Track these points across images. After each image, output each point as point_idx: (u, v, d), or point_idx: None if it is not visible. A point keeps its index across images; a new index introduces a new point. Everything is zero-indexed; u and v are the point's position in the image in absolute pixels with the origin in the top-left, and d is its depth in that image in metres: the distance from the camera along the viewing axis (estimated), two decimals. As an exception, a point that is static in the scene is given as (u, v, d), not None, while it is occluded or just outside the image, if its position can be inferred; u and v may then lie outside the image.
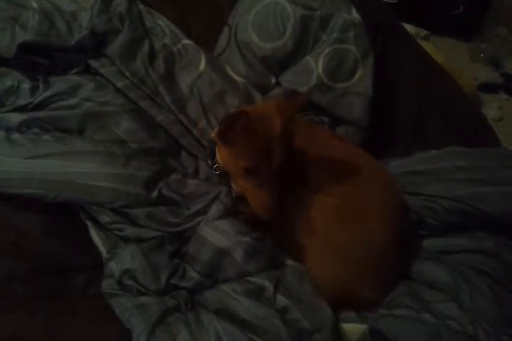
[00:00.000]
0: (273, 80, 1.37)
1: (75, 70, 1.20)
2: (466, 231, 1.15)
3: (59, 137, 1.10)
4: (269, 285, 0.97)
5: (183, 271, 1.01)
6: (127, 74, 1.20)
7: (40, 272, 0.97)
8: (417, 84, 1.49)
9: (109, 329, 0.91)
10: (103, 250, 1.05)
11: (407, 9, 2.44)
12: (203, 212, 1.07)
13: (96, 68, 1.20)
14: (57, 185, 1.02)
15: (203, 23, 1.43)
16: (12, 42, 1.13)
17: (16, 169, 1.01)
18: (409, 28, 2.23)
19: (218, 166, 1.12)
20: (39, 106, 1.14)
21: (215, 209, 1.06)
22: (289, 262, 1.07)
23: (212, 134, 1.12)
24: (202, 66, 1.27)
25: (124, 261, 0.99)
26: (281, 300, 0.95)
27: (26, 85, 1.14)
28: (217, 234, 1.02)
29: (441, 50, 2.45)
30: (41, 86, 1.15)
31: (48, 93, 1.14)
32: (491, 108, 2.65)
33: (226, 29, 1.38)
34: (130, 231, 1.05)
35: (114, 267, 0.99)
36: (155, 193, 1.07)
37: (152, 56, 1.25)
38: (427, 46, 1.89)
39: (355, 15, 1.34)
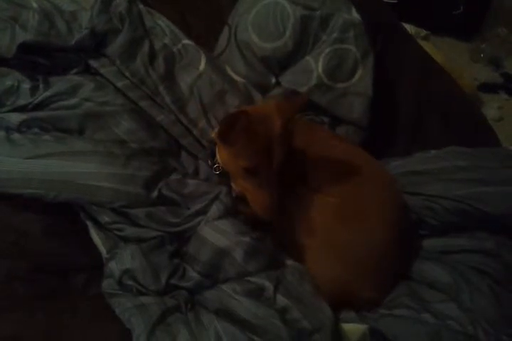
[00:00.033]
0: (273, 80, 1.37)
1: (75, 70, 1.20)
2: (466, 231, 1.15)
3: (59, 137, 1.10)
4: (269, 285, 0.97)
5: (183, 271, 1.01)
6: (127, 74, 1.20)
7: (40, 272, 0.97)
8: (417, 84, 1.49)
9: (109, 329, 0.91)
10: (103, 250, 1.05)
11: (407, 9, 2.44)
12: (203, 212, 1.07)
13: (96, 68, 1.20)
14: (57, 185, 1.02)
15: (203, 23, 1.43)
16: (12, 42, 1.13)
17: (16, 169, 1.01)
18: (409, 28, 2.23)
19: (218, 166, 1.12)
20: (39, 106, 1.14)
21: (215, 209, 1.06)
22: (289, 262, 1.07)
23: (212, 134, 1.12)
24: (202, 66, 1.27)
25: (124, 261, 0.99)
26: (281, 300, 0.95)
27: (26, 85, 1.14)
28: (217, 234, 1.02)
29: (441, 50, 2.45)
30: (41, 86, 1.15)
31: (48, 93, 1.14)
32: (491, 108, 2.65)
33: (226, 29, 1.38)
34: (130, 231, 1.05)
35: (114, 267, 0.99)
36: (155, 193, 1.07)
37: (152, 56, 1.25)
38: (427, 46, 1.89)
39: (355, 15, 1.34)
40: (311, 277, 1.03)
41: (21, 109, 1.13)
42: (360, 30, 1.32)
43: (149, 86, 1.21)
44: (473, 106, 1.65)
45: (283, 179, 0.99)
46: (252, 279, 0.99)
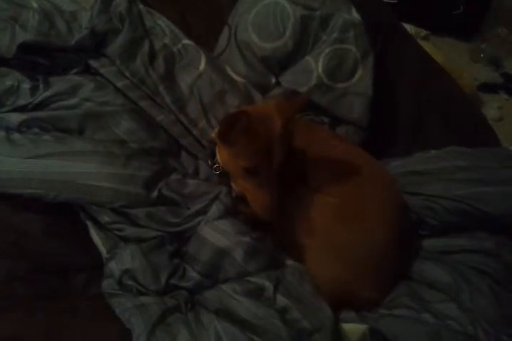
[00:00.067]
0: (273, 80, 1.37)
1: (75, 70, 1.20)
2: (466, 231, 1.15)
3: (59, 137, 1.10)
4: (269, 285, 0.97)
5: (183, 271, 1.01)
6: (127, 74, 1.20)
7: (40, 272, 0.97)
8: (417, 84, 1.49)
9: (109, 329, 0.91)
10: (103, 250, 1.05)
11: (407, 9, 2.44)
12: (203, 212, 1.07)
13: (96, 68, 1.20)
14: (57, 185, 1.02)
15: (203, 23, 1.43)
16: (12, 42, 1.13)
17: (16, 169, 1.01)
18: (409, 28, 2.24)
19: (218, 166, 1.12)
20: (39, 106, 1.14)
21: (215, 209, 1.06)
22: (289, 262, 1.07)
23: (213, 134, 1.12)
24: (202, 66, 1.27)
25: (124, 261, 0.99)
26: (281, 300, 0.95)
27: (26, 85, 1.14)
28: (217, 234, 1.02)
29: (441, 50, 2.45)
30: (41, 86, 1.15)
31: (48, 93, 1.14)
32: (491, 108, 2.65)
33: (226, 29, 1.38)
34: (130, 231, 1.05)
35: (114, 267, 0.99)
36: (155, 193, 1.07)
37: (152, 56, 1.25)
38: (427, 46, 1.89)
39: (355, 15, 1.34)
40: (311, 277, 1.03)
41: (21, 109, 1.13)
42: (360, 30, 1.32)
43: (149, 86, 1.21)
44: (473, 106, 1.65)
45: (283, 179, 0.99)
46: (252, 279, 0.99)
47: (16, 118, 1.10)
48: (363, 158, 1.18)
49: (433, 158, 1.26)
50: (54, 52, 1.18)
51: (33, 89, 1.14)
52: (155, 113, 1.20)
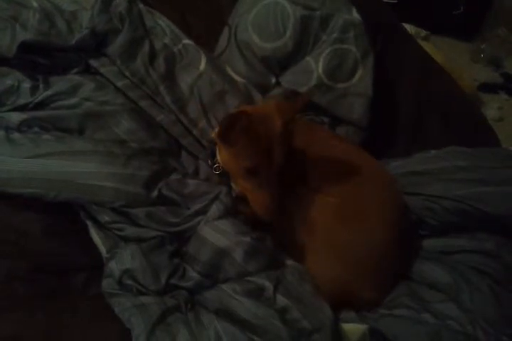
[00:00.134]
0: (273, 80, 1.37)
1: (75, 70, 1.20)
2: (466, 231, 1.15)
3: (59, 136, 1.10)
4: (269, 285, 0.97)
5: (183, 271, 1.01)
6: (127, 73, 1.20)
7: (40, 272, 0.97)
8: (417, 84, 1.49)
9: (109, 329, 0.91)
10: (103, 250, 1.05)
11: (407, 9, 2.45)
12: (202, 212, 1.07)
13: (96, 68, 1.20)
14: (57, 185, 1.02)
15: (203, 23, 1.43)
16: (12, 42, 1.13)
17: (16, 168, 1.01)
18: (409, 28, 2.24)
19: (218, 166, 1.12)
20: (39, 105, 1.14)
21: (215, 209, 1.06)
22: (289, 262, 1.07)
23: (213, 134, 1.12)
24: (202, 66, 1.27)
25: (124, 260, 0.99)
26: (281, 300, 0.95)
27: (26, 85, 1.14)
28: (217, 234, 1.02)
29: (441, 50, 2.45)
30: (41, 85, 1.15)
31: (48, 92, 1.14)
32: (491, 108, 2.66)
33: (226, 29, 1.38)
34: (130, 231, 1.05)
35: (114, 267, 0.99)
36: (155, 193, 1.07)
37: (152, 56, 1.25)
38: (427, 46, 1.89)
39: (356, 15, 1.34)
40: (311, 277, 1.03)
41: (21, 109, 1.13)
42: (360, 31, 1.32)
43: (149, 86, 1.21)
44: (473, 106, 1.66)
45: (283, 179, 0.99)
46: (252, 279, 0.99)
47: (16, 117, 1.10)
48: (363, 158, 1.18)
49: (433, 158, 1.26)
50: (54, 51, 1.18)
51: (34, 89, 1.14)
52: (155, 113, 1.20)
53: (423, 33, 2.63)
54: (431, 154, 1.29)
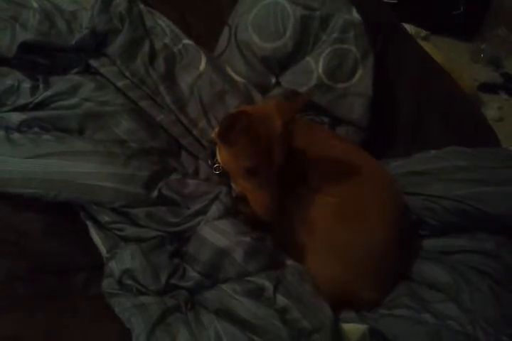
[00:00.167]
0: (273, 80, 1.37)
1: (75, 70, 1.20)
2: (466, 231, 1.15)
3: (59, 137, 1.10)
4: (269, 285, 0.97)
5: (183, 271, 1.01)
6: (127, 74, 1.20)
7: (40, 272, 0.97)
8: (417, 84, 1.49)
9: (109, 329, 0.91)
10: (103, 250, 1.05)
11: (407, 9, 2.45)
12: (202, 212, 1.07)
13: (96, 68, 1.20)
14: (57, 185, 1.02)
15: (203, 23, 1.43)
16: (12, 42, 1.13)
17: (16, 169, 1.01)
18: (409, 28, 2.24)
19: (218, 166, 1.12)
20: (39, 105, 1.14)
21: (215, 209, 1.06)
22: (289, 262, 1.07)
23: (213, 134, 1.12)
24: (202, 66, 1.27)
25: (124, 260, 0.99)
26: (281, 300, 0.95)
27: (26, 85, 1.14)
28: (217, 234, 1.02)
29: (441, 50, 2.45)
30: (41, 86, 1.15)
31: (48, 93, 1.14)
32: (491, 108, 2.66)
33: (226, 29, 1.38)
34: (130, 231, 1.05)
35: (114, 267, 0.99)
36: (155, 193, 1.07)
37: (152, 56, 1.25)
38: (427, 46, 1.89)
39: (356, 15, 1.34)
40: (311, 277, 1.03)
41: (21, 109, 1.13)
42: (360, 31, 1.32)
43: (149, 86, 1.21)
44: (473, 106, 1.66)
45: (283, 179, 0.99)
46: (252, 279, 0.99)
47: (16, 117, 1.10)
48: (363, 158, 1.18)
49: (433, 158, 1.26)
50: (54, 51, 1.18)
51: (34, 89, 1.14)
52: (155, 113, 1.20)
53: (423, 33, 2.63)
54: (431, 154, 1.29)
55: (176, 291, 0.99)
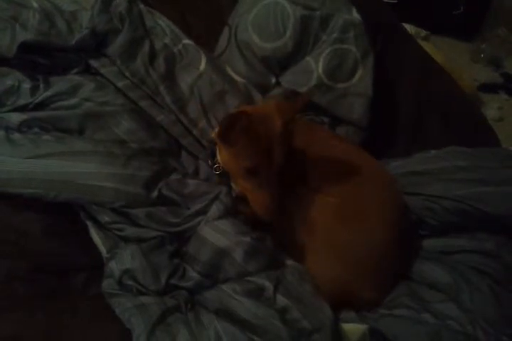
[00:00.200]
0: (273, 80, 1.37)
1: (75, 70, 1.20)
2: (466, 231, 1.15)
3: (59, 137, 1.10)
4: (269, 285, 0.97)
5: (183, 271, 1.01)
6: (127, 74, 1.20)
7: (40, 272, 0.97)
8: (417, 84, 1.49)
9: (109, 329, 0.91)
10: (103, 250, 1.05)
11: (407, 9, 2.45)
12: (203, 212, 1.07)
13: (96, 68, 1.20)
14: (57, 185, 1.02)
15: (203, 23, 1.43)
16: (12, 42, 1.13)
17: (16, 169, 1.01)
18: (409, 28, 2.23)
19: (218, 166, 1.12)
20: (39, 106, 1.14)
21: (215, 209, 1.06)
22: (289, 262, 1.07)
23: (213, 134, 1.12)
24: (202, 66, 1.27)
25: (124, 261, 0.99)
26: (281, 300, 0.95)
27: (27, 85, 1.14)
28: (217, 234, 1.02)
29: (441, 50, 2.45)
30: (41, 86, 1.15)
31: (48, 93, 1.14)
32: (491, 108, 2.66)
33: (226, 29, 1.38)
34: (130, 231, 1.05)
35: (114, 267, 0.99)
36: (155, 193, 1.07)
37: (152, 56, 1.25)
38: (427, 46, 1.89)
39: (356, 15, 1.34)
40: (311, 277, 1.03)
41: (22, 109, 1.13)
42: (360, 31, 1.32)
43: (149, 86, 1.21)
44: (473, 106, 1.66)
45: (283, 179, 0.99)
46: (252, 279, 0.99)
47: (16, 118, 1.10)
48: (363, 158, 1.18)
49: (433, 158, 1.26)
50: (54, 51, 1.18)
51: (34, 89, 1.14)
52: (155, 113, 1.20)
53: (423, 33, 2.63)
54: (431, 154, 1.29)
55: (175, 291, 0.99)
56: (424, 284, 1.08)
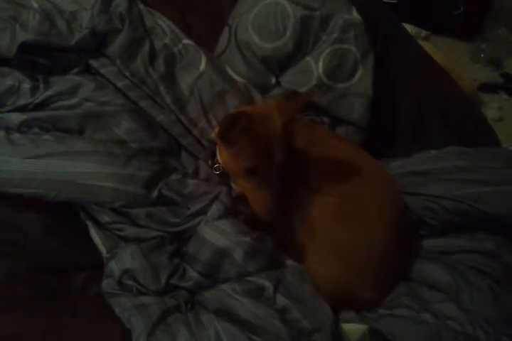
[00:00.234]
0: (273, 80, 1.37)
1: (75, 70, 1.20)
2: (466, 231, 1.15)
3: (59, 137, 1.10)
4: (269, 285, 0.97)
5: (183, 271, 1.01)
6: (127, 74, 1.20)
7: (40, 272, 0.97)
8: (417, 84, 1.49)
9: (109, 329, 0.91)
10: (103, 250, 1.05)
11: (407, 9, 2.46)
12: (203, 212, 1.07)
13: (96, 68, 1.20)
14: (58, 185, 1.02)
15: (203, 23, 1.43)
16: (12, 42, 1.13)
17: (16, 169, 1.01)
18: (409, 28, 2.23)
19: (218, 166, 1.12)
20: (39, 106, 1.14)
21: (215, 209, 1.06)
22: (289, 262, 1.07)
23: (213, 134, 1.12)
24: (202, 66, 1.27)
25: (124, 260, 0.99)
26: (281, 300, 0.95)
27: (27, 85, 1.14)
28: (217, 234, 1.02)
29: (441, 50, 2.45)
30: (41, 86, 1.15)
31: (48, 93, 1.14)
32: (491, 108, 2.66)
33: (226, 29, 1.38)
34: (130, 231, 1.05)
35: (114, 267, 0.99)
36: (155, 193, 1.07)
37: (152, 56, 1.24)
38: (427, 46, 1.89)
39: (356, 15, 1.34)
40: (311, 277, 1.03)
41: (22, 109, 1.13)
42: (360, 31, 1.32)
43: (149, 86, 1.21)
44: (473, 106, 1.66)
45: (283, 179, 0.99)
46: (252, 279, 0.99)
47: (16, 118, 1.10)
48: (363, 158, 1.18)
49: (433, 158, 1.26)
50: (54, 52, 1.18)
51: (34, 89, 1.14)
52: (155, 113, 1.20)
53: (423, 33, 2.63)
54: (431, 154, 1.29)
55: (175, 291, 0.99)
56: (424, 284, 1.08)
